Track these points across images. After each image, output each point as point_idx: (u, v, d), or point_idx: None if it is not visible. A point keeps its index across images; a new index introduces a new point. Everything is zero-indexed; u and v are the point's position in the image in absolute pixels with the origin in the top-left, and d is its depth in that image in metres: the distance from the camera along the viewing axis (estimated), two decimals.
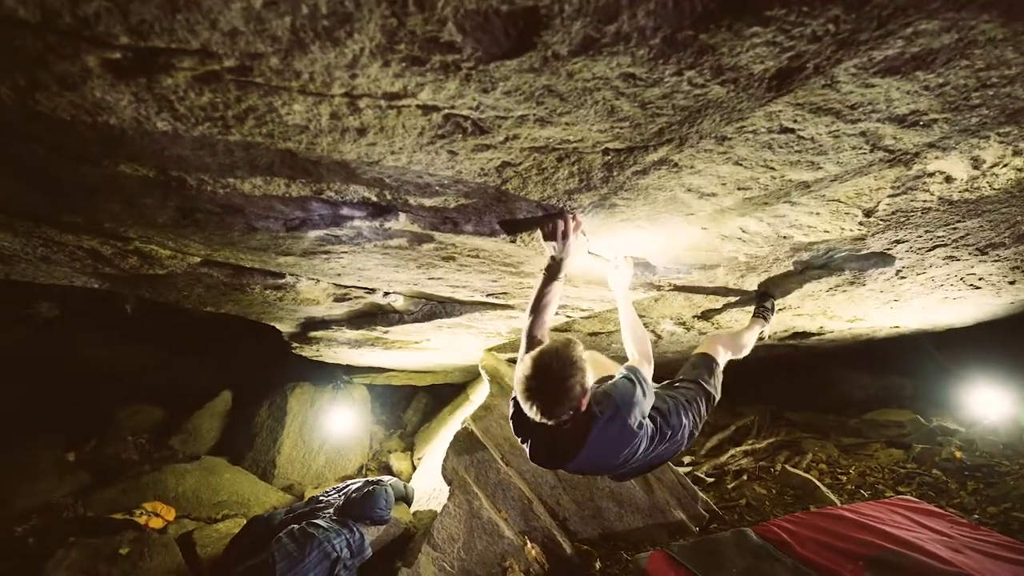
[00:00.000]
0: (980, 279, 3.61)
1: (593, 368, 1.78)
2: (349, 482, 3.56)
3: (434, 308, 3.33)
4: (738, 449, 5.10)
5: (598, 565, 3.16)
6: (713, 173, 1.79)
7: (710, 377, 2.59)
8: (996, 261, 3.18)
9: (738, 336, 3.06)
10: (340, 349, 4.09)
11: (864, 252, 2.82)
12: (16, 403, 4.59)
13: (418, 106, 1.30)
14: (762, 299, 3.50)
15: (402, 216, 1.88)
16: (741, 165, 1.74)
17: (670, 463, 3.84)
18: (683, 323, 4.33)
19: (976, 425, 4.99)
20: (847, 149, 1.67)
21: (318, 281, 2.78)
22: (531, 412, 1.63)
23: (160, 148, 1.37)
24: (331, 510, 3.13)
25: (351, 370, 5.38)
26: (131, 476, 4.01)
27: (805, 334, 5.45)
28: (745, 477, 4.52)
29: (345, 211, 1.84)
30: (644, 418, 1.88)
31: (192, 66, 1.08)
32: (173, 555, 3.09)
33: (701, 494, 3.76)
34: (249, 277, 2.66)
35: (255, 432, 4.98)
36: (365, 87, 1.20)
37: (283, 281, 2.70)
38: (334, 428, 5.03)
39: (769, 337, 5.81)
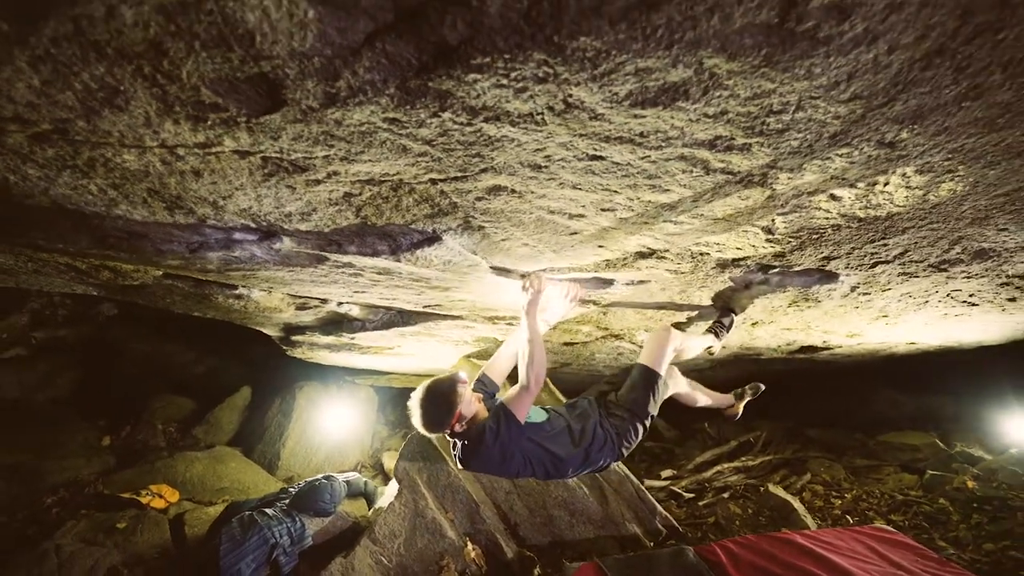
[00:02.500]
0: (971, 295, 3.32)
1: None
2: (317, 476, 3.85)
3: (392, 317, 3.54)
4: (727, 465, 4.90)
5: (537, 571, 3.22)
6: (561, 196, 1.85)
7: (647, 399, 2.56)
8: (968, 278, 2.93)
9: (687, 339, 2.94)
10: (322, 352, 4.41)
11: (798, 269, 2.71)
12: (68, 391, 5.31)
13: (232, 151, 1.49)
14: (722, 314, 3.41)
15: (286, 239, 2.09)
16: (581, 189, 1.79)
17: (630, 476, 3.81)
18: None
19: (1005, 454, 4.51)
20: (678, 172, 1.69)
21: (270, 292, 3.07)
22: (415, 424, 2.08)
23: (44, 188, 1.65)
24: (287, 500, 3.42)
25: (355, 372, 5.73)
26: (148, 460, 4.55)
27: (812, 348, 5.17)
28: (727, 495, 4.35)
29: (237, 235, 2.08)
30: (512, 448, 2.12)
31: (19, 129, 1.34)
32: (162, 532, 3.50)
33: (661, 509, 3.69)
34: (209, 288, 2.98)
35: (266, 426, 5.43)
36: (173, 140, 1.41)
37: (238, 291, 3.01)
38: (336, 426, 5.38)
39: (776, 350, 5.55)
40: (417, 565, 3.10)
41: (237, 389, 5.87)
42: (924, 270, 2.79)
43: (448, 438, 2.18)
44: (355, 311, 3.39)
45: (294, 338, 4.00)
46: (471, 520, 3.39)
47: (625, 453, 2.48)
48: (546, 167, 1.63)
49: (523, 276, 2.64)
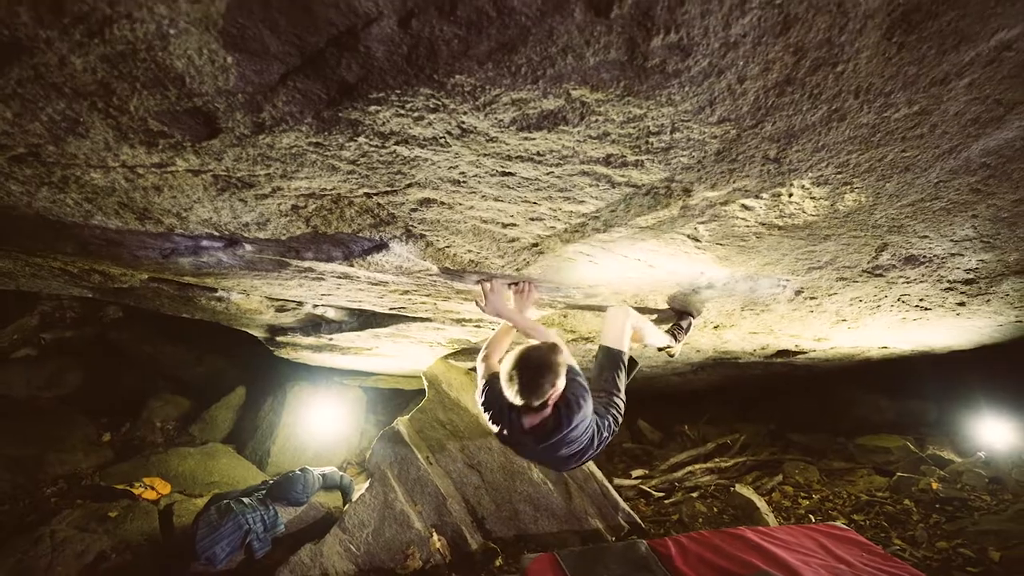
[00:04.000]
0: (921, 300, 3.44)
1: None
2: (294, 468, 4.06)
3: (366, 319, 3.75)
4: (699, 466, 5.02)
5: (498, 562, 3.38)
6: (488, 208, 2.04)
7: (616, 377, 2.66)
8: (908, 283, 3.07)
9: (642, 318, 3.03)
10: (306, 353, 4.63)
11: (737, 275, 2.86)
12: (73, 389, 5.60)
13: (186, 170, 1.71)
14: (680, 317, 3.56)
15: (248, 246, 2.30)
16: (503, 201, 1.98)
17: (595, 472, 3.96)
18: None
19: (973, 457, 4.58)
20: (586, 186, 1.87)
21: (248, 295, 3.29)
22: (510, 395, 2.01)
23: (27, 202, 1.88)
24: (264, 490, 3.63)
25: (344, 373, 5.94)
26: (144, 455, 4.80)
27: (787, 352, 5.28)
28: (695, 494, 4.48)
29: (204, 243, 2.29)
30: (591, 416, 2.19)
31: None
32: (151, 521, 3.73)
33: (624, 506, 3.83)
34: (192, 291, 3.21)
35: (258, 424, 5.67)
36: (132, 161, 1.63)
37: (219, 294, 3.23)
38: (324, 425, 5.60)
39: (752, 354, 5.66)
40: (384, 554, 3.28)
41: (233, 389, 6.12)
42: (860, 275, 2.92)
43: (528, 419, 2.08)
44: (330, 313, 3.61)
45: (278, 339, 4.23)
46: (438, 513, 3.57)
47: (615, 426, 2.54)
48: (464, 182, 1.82)
49: (477, 282, 2.84)
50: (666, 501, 4.40)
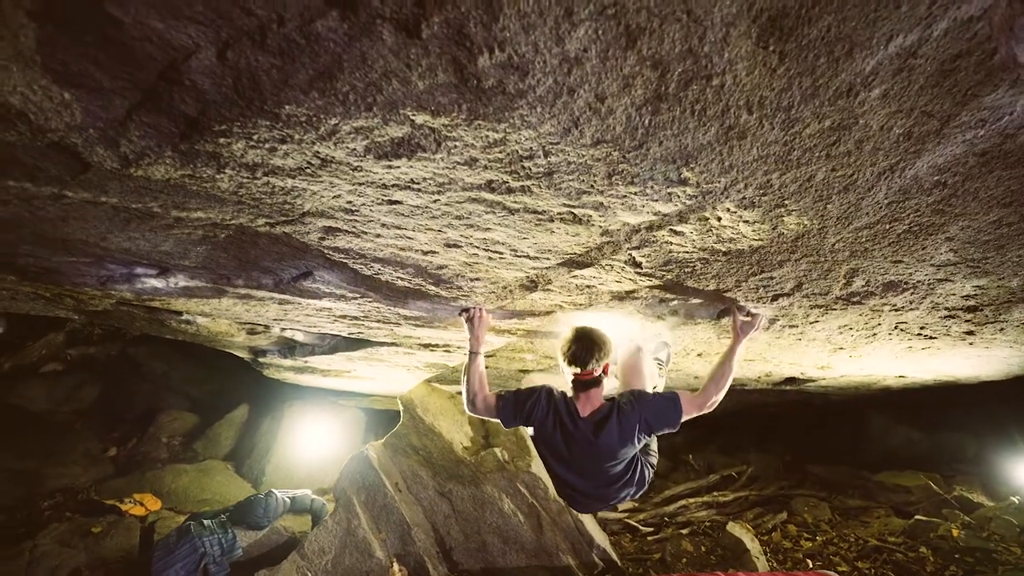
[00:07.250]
0: (922, 328, 3.13)
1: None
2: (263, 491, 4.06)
3: (337, 342, 3.74)
4: (694, 500, 4.70)
5: None
6: (398, 235, 1.98)
7: None
8: (898, 310, 2.79)
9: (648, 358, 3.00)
10: (289, 374, 4.67)
11: (695, 302, 2.68)
12: (89, 403, 5.87)
13: (83, 201, 1.74)
14: (657, 348, 3.38)
15: (180, 275, 2.33)
16: (406, 228, 1.91)
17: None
18: None
19: (1005, 501, 4.08)
20: (483, 213, 1.78)
21: (213, 317, 3.34)
22: (565, 358, 2.27)
23: None
24: (228, 512, 3.65)
25: (339, 394, 5.97)
26: (141, 471, 4.95)
27: (794, 380, 4.92)
28: (685, 531, 4.18)
29: (138, 271, 2.34)
30: (640, 436, 2.27)
31: None
32: (131, 538, 3.81)
33: (600, 542, 3.61)
34: (160, 314, 3.29)
35: (256, 442, 5.76)
36: (24, 194, 1.66)
37: (185, 317, 3.30)
38: (319, 445, 5.62)
39: (757, 380, 5.32)
40: None
41: (237, 406, 6.27)
42: (836, 303, 2.68)
43: (582, 402, 2.27)
44: (299, 336, 3.62)
45: (260, 360, 4.29)
46: (402, 541, 3.47)
47: (651, 474, 2.56)
48: (356, 210, 1.77)
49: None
50: (651, 538, 4.14)
